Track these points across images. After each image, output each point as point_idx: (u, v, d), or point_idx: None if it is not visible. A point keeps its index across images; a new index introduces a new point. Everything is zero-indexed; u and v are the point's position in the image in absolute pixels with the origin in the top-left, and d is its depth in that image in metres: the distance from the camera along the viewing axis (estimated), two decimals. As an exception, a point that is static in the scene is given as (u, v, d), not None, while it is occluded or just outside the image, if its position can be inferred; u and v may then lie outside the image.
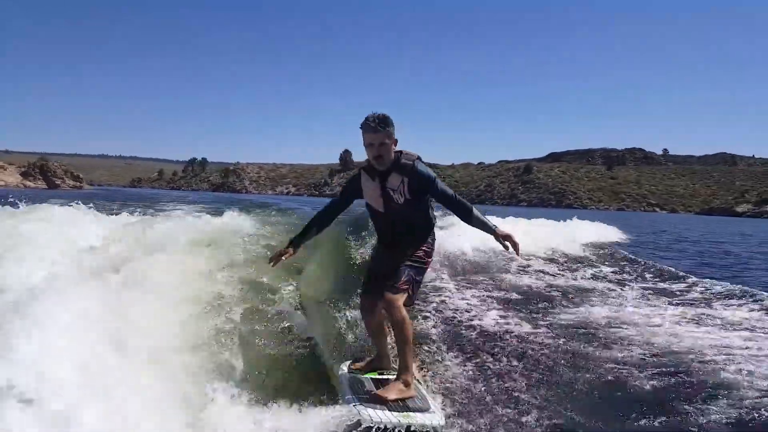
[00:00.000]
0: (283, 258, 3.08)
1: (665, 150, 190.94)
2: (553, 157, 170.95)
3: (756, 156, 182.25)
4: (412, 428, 2.51)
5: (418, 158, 2.98)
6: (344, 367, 3.20)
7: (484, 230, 2.93)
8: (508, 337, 4.54)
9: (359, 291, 3.38)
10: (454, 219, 3.18)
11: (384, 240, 3.20)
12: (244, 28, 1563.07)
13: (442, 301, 5.60)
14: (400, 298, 2.86)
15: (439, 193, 2.92)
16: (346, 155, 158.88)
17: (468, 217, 2.92)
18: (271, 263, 3.12)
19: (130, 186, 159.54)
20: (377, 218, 3.12)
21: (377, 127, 2.80)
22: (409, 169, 2.89)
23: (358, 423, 2.48)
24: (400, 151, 2.96)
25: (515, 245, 2.84)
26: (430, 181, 2.91)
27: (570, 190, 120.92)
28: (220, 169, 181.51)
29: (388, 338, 3.29)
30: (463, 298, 5.87)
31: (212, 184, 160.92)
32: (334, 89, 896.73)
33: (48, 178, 55.29)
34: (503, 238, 2.84)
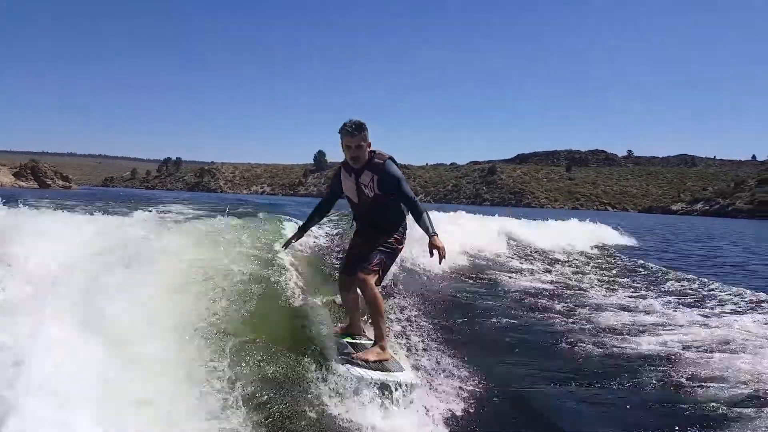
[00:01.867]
0: (293, 242, 3.90)
1: (630, 151, 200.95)
2: (521, 158, 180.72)
3: (717, 157, 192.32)
4: (389, 384, 2.99)
5: (390, 159, 3.48)
6: (335, 334, 3.71)
7: (425, 232, 3.28)
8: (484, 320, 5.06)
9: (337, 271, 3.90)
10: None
11: (360, 227, 3.70)
12: (216, 26, 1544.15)
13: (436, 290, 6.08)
14: (372, 278, 3.36)
15: (401, 192, 3.39)
16: (320, 156, 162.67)
17: (418, 219, 3.32)
18: (284, 247, 4.03)
19: (103, 185, 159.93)
20: (354, 208, 3.66)
21: (354, 132, 3.34)
22: (379, 168, 3.40)
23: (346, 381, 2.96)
24: (374, 151, 3.46)
25: (441, 256, 3.18)
26: (395, 180, 3.39)
27: (529, 190, 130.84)
28: (195, 168, 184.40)
29: (360, 310, 3.77)
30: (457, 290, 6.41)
31: (187, 184, 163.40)
32: (308, 89, 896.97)
33: (39, 179, 60.50)
34: (432, 245, 3.20)
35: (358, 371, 3.07)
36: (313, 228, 4.58)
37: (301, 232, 3.92)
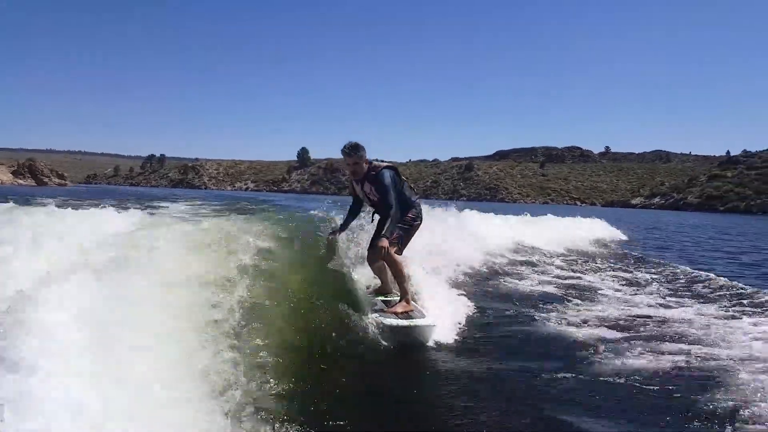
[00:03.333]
0: (333, 237, 4.76)
1: (607, 147, 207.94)
2: (500, 155, 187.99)
3: (693, 153, 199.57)
4: (415, 330, 4.00)
5: (387, 167, 4.45)
6: (369, 294, 4.75)
7: (381, 229, 4.36)
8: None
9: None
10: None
11: (378, 218, 4.68)
12: (199, 21, 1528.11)
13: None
14: (392, 248, 4.29)
15: (384, 199, 4.32)
16: (303, 153, 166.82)
17: (384, 219, 4.37)
18: (329, 236, 4.78)
19: (86, 183, 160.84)
20: (370, 205, 4.68)
21: (350, 153, 4.34)
22: (374, 178, 4.37)
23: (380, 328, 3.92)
24: (370, 163, 4.43)
25: (381, 248, 4.21)
26: (382, 189, 4.32)
27: (503, 186, 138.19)
28: (179, 165, 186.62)
29: (389, 275, 4.70)
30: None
31: (171, 181, 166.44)
32: (291, 86, 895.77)
33: (36, 177, 64.95)
34: (376, 244, 4.28)
35: (389, 320, 3.96)
36: (352, 223, 5.07)
37: (342, 229, 4.86)
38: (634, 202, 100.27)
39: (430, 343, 4.11)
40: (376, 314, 4.10)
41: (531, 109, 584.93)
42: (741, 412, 3.04)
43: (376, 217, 4.76)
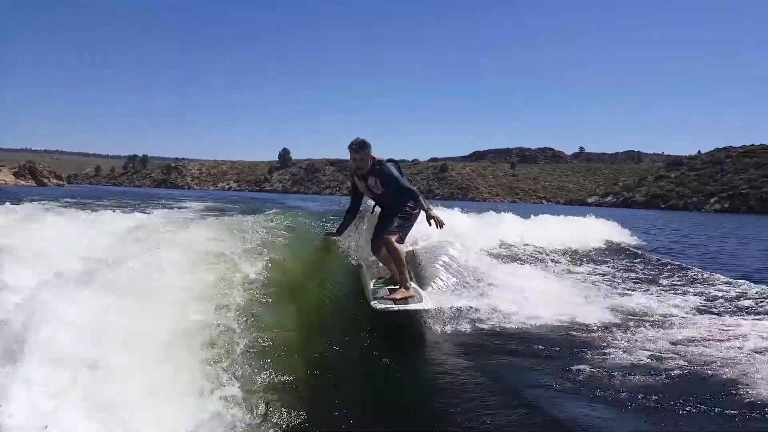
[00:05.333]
0: (334, 237, 5.41)
1: (582, 148, 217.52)
2: (477, 155, 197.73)
3: (665, 153, 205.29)
4: (412, 311, 4.32)
5: (389, 160, 4.80)
6: (371, 284, 4.85)
7: (421, 209, 4.67)
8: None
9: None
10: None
11: (381, 211, 5.01)
12: (177, 19, 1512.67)
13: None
14: (393, 237, 4.57)
15: (399, 187, 4.66)
16: (285, 153, 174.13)
17: (416, 203, 4.65)
18: (327, 234, 5.47)
19: (68, 183, 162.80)
20: (373, 199, 5.01)
21: (357, 149, 4.62)
22: (378, 172, 4.69)
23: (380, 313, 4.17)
24: (373, 158, 4.74)
25: (438, 223, 4.46)
26: (392, 179, 4.67)
27: (474, 186, 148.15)
28: (162, 165, 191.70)
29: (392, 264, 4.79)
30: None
31: (154, 181, 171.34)
32: (273, 87, 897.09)
33: (37, 178, 71.26)
34: (429, 216, 4.49)
35: (384, 305, 4.27)
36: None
37: (340, 231, 5.41)
38: (590, 200, 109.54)
39: (431, 338, 4.56)
40: (375, 301, 4.35)
41: (509, 110, 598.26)
42: (748, 413, 3.06)
43: (377, 209, 5.15)
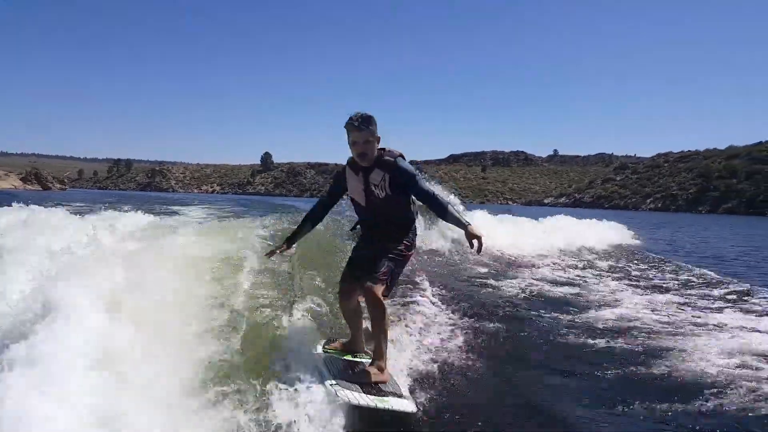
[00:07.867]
0: (277, 252, 3.52)
1: (555, 151, 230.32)
2: (453, 158, 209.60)
3: (637, 155, 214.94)
4: (386, 412, 2.80)
5: (401, 155, 3.32)
6: (319, 347, 3.42)
7: (457, 226, 3.15)
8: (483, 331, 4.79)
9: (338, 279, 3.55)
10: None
11: (365, 232, 3.50)
12: (160, 19, 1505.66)
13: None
14: (379, 288, 3.16)
15: (419, 189, 3.23)
16: (267, 157, 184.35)
17: (444, 214, 3.19)
18: (267, 255, 3.63)
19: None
20: (360, 210, 3.44)
21: (361, 126, 3.14)
22: (391, 166, 3.23)
23: (335, 402, 2.74)
24: (383, 149, 3.29)
25: (479, 246, 3.08)
26: (410, 177, 3.23)
27: (445, 188, 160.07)
28: (147, 169, 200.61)
29: (363, 324, 3.53)
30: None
31: (139, 184, 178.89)
32: (254, 90, 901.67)
33: (42, 183, 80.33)
34: (471, 236, 3.08)
35: (347, 394, 2.81)
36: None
37: (290, 242, 3.55)
38: (546, 201, 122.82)
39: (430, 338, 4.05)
40: (335, 382, 2.96)
41: (485, 114, 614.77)
42: (748, 414, 3.12)
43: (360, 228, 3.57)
